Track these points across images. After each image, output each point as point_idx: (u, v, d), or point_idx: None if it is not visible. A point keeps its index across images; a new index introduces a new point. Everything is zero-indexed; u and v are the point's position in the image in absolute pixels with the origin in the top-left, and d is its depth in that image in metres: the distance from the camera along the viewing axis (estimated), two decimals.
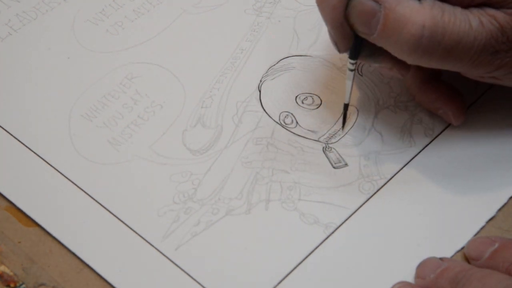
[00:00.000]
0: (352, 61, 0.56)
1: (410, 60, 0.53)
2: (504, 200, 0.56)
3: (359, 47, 0.55)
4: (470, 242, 0.53)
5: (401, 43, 0.52)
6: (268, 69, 0.63)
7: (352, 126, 0.60)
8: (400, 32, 0.51)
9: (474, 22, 0.52)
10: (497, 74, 0.54)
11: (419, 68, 0.57)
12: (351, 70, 0.56)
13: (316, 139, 0.59)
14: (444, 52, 0.52)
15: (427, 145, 0.59)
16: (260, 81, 0.62)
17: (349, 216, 0.55)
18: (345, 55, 0.56)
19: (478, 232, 0.55)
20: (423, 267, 0.52)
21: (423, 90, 0.59)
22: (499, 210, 0.56)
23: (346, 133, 0.59)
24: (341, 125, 0.60)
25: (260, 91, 0.62)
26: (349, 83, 0.57)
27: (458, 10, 0.52)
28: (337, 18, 0.53)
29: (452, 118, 0.58)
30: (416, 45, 0.51)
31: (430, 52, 0.52)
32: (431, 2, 0.51)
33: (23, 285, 0.53)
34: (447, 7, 0.52)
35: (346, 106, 0.58)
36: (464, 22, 0.52)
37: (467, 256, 0.53)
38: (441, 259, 0.52)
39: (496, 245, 0.52)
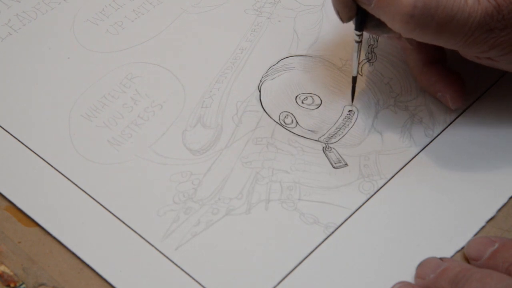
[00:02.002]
0: (358, 33, 0.56)
1: (403, 32, 0.53)
2: (504, 200, 0.56)
3: (363, 18, 0.55)
4: (470, 242, 0.53)
5: (394, 13, 0.52)
6: (268, 69, 0.63)
7: (352, 126, 0.60)
8: (394, 2, 0.52)
9: None
10: (492, 55, 0.54)
11: (422, 49, 0.58)
12: (358, 42, 0.57)
13: (316, 139, 0.59)
14: (437, 26, 0.52)
15: (427, 145, 0.59)
16: (260, 81, 0.62)
17: (349, 216, 0.55)
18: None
19: (478, 232, 0.55)
20: (423, 267, 0.52)
21: (424, 72, 0.59)
22: (499, 210, 0.56)
23: (346, 133, 0.59)
24: (341, 125, 0.60)
25: (260, 91, 0.62)
26: (355, 54, 0.58)
27: None
28: None
29: (450, 101, 0.59)
30: (409, 16, 0.52)
31: (423, 25, 0.52)
32: None
33: (23, 285, 0.53)
34: None
35: (354, 79, 0.59)
36: None
37: (467, 256, 0.53)
38: (441, 259, 0.52)
39: (496, 245, 0.52)
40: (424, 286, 0.52)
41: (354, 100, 0.61)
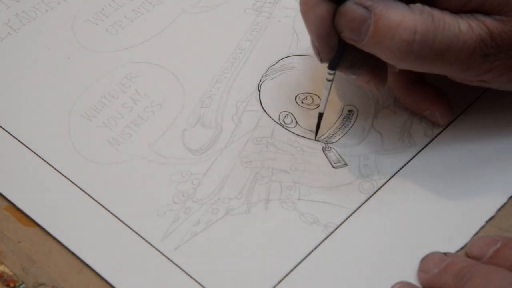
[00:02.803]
0: (331, 72, 0.56)
1: (401, 65, 0.53)
2: (503, 200, 0.56)
3: (340, 58, 0.55)
4: (473, 241, 0.53)
5: (392, 49, 0.52)
6: (268, 68, 0.63)
7: (352, 126, 0.60)
8: (392, 38, 0.52)
9: (463, 26, 0.52)
10: (486, 78, 0.55)
11: (403, 71, 0.58)
12: (329, 81, 0.56)
13: (316, 139, 0.59)
14: (435, 56, 0.52)
15: (427, 145, 0.59)
16: (260, 80, 0.62)
17: (349, 216, 0.55)
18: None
19: (478, 232, 0.55)
20: (427, 261, 0.52)
21: (408, 92, 0.59)
22: (499, 210, 0.56)
23: (345, 133, 0.59)
24: (340, 125, 0.60)
25: (259, 91, 0.62)
26: (325, 92, 0.57)
27: (447, 15, 0.52)
28: (323, 28, 0.53)
29: (439, 118, 0.59)
30: (408, 51, 0.52)
31: (422, 57, 0.52)
32: (420, 7, 0.52)
33: (23, 285, 0.53)
34: (436, 12, 0.52)
35: (320, 115, 0.58)
36: (454, 26, 0.52)
37: (469, 255, 0.53)
38: (445, 253, 0.52)
39: (499, 244, 0.52)
40: (428, 280, 0.52)
41: (354, 99, 0.61)
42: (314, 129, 0.59)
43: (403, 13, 0.51)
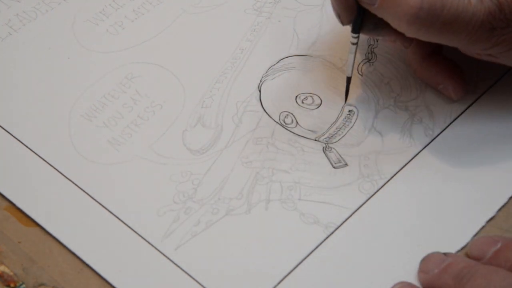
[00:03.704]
0: (355, 35, 0.57)
1: (408, 32, 0.54)
2: (504, 200, 0.56)
3: (361, 20, 0.56)
4: (473, 242, 0.53)
5: (400, 14, 0.52)
6: (268, 69, 0.63)
7: (352, 126, 0.60)
8: (400, 3, 0.52)
9: None
10: (493, 52, 0.55)
11: (420, 43, 0.58)
12: (354, 44, 0.57)
13: (316, 139, 0.59)
14: (442, 25, 0.53)
15: (427, 145, 0.59)
16: (260, 81, 0.62)
17: (349, 216, 0.55)
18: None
19: (478, 232, 0.55)
20: (427, 261, 0.52)
21: (424, 65, 0.60)
22: (499, 210, 0.56)
23: (346, 133, 0.59)
24: (341, 125, 0.60)
25: (260, 91, 0.62)
26: (351, 56, 0.58)
27: None
28: None
29: (452, 93, 0.59)
30: (415, 17, 0.52)
31: (428, 25, 0.53)
32: None
33: (23, 285, 0.53)
34: None
35: (348, 80, 0.59)
36: None
37: (469, 255, 0.53)
38: (445, 254, 0.52)
39: (499, 244, 0.52)
40: (428, 281, 0.52)
41: (354, 99, 0.61)
42: (314, 129, 0.59)
43: None
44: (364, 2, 0.54)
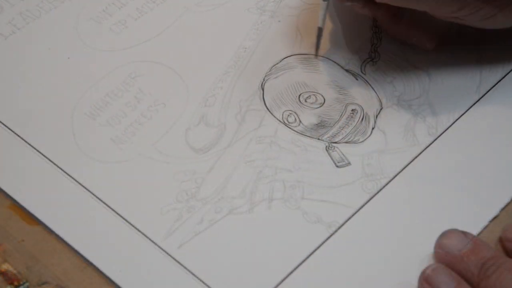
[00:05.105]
0: None
1: None
2: (507, 199, 0.56)
3: None
4: (507, 226, 0.53)
5: None
6: (271, 67, 0.63)
7: (355, 125, 0.60)
8: None
9: None
10: (459, 15, 0.57)
11: (388, 5, 0.59)
12: (324, 0, 0.60)
13: (319, 138, 0.59)
14: None
15: (430, 144, 0.59)
16: (263, 79, 0.62)
17: (352, 215, 0.55)
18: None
19: (481, 232, 0.55)
20: (447, 239, 0.52)
21: (395, 22, 0.62)
22: (503, 209, 0.56)
23: (349, 132, 0.59)
24: (343, 124, 0.60)
25: (263, 90, 0.62)
26: (322, 12, 0.60)
27: None
28: None
29: (426, 42, 0.61)
30: None
31: None
32: None
33: (27, 283, 0.53)
34: None
35: (320, 30, 0.61)
36: None
37: (503, 237, 0.53)
38: (463, 233, 0.52)
39: None
40: (447, 261, 0.51)
41: (358, 98, 0.61)
42: (318, 127, 0.59)
43: None
44: None
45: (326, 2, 0.59)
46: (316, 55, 0.62)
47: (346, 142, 0.59)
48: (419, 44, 0.61)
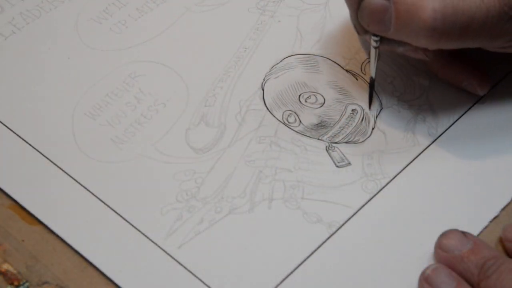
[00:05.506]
0: (376, 38, 0.56)
1: (430, 45, 0.54)
2: (507, 199, 0.56)
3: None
4: (506, 226, 0.53)
5: (416, 31, 0.52)
6: (272, 67, 0.63)
7: (355, 125, 0.60)
8: (413, 20, 0.52)
9: None
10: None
11: None
12: (375, 48, 0.57)
13: (319, 138, 0.59)
14: (460, 30, 0.52)
15: (431, 144, 0.59)
16: (263, 79, 0.62)
17: (352, 215, 0.55)
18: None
19: (481, 232, 0.55)
20: (447, 239, 0.52)
21: (446, 65, 0.60)
22: (503, 209, 0.56)
23: (349, 132, 0.59)
24: (344, 124, 0.60)
25: (263, 90, 0.62)
26: (372, 59, 0.58)
27: None
28: (355, 2, 0.54)
29: (478, 88, 0.59)
30: (432, 29, 0.52)
31: (447, 34, 0.52)
32: None
33: (27, 283, 0.53)
34: None
35: (372, 81, 0.59)
36: None
37: (503, 237, 0.53)
38: (463, 233, 0.52)
39: None
40: (448, 261, 0.51)
41: (357, 98, 0.61)
42: (318, 127, 0.59)
43: None
44: (377, 31, 0.54)
45: (376, 50, 0.57)
46: (370, 108, 0.60)
47: (347, 142, 0.59)
48: (470, 89, 0.60)
